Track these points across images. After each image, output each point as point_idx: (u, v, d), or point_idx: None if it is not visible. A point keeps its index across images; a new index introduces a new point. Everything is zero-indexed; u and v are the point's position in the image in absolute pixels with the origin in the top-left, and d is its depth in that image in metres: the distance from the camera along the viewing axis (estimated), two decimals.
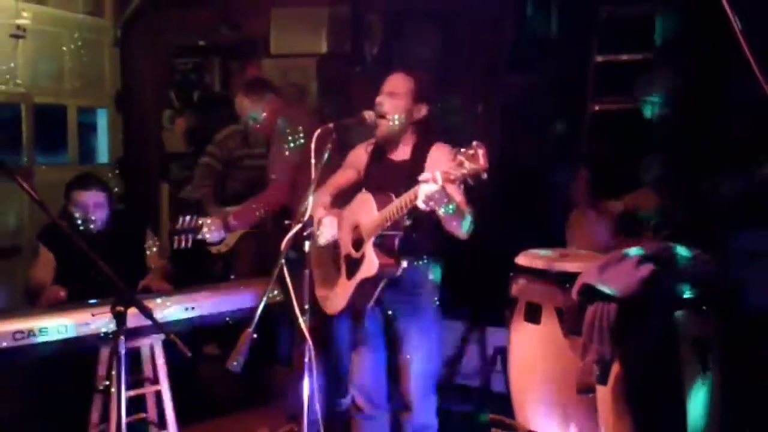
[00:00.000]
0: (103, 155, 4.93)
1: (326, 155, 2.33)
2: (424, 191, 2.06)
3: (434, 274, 2.54)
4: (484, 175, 1.92)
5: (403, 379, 2.55)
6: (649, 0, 3.36)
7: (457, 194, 2.30)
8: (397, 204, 2.26)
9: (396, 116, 2.47)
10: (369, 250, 2.39)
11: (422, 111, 2.51)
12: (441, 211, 2.18)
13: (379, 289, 2.44)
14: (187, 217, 3.15)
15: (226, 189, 3.90)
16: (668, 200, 2.79)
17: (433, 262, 2.54)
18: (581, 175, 3.02)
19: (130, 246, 3.17)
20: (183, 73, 4.86)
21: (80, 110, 4.69)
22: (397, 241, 2.38)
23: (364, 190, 2.52)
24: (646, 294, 2.11)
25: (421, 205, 2.10)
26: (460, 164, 1.95)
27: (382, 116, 2.47)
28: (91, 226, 2.99)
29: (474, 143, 1.94)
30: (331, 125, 2.36)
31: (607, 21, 3.50)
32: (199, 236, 3.14)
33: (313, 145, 2.30)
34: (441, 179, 2.02)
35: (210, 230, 3.12)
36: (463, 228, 2.34)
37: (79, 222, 2.97)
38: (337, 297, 2.56)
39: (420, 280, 2.51)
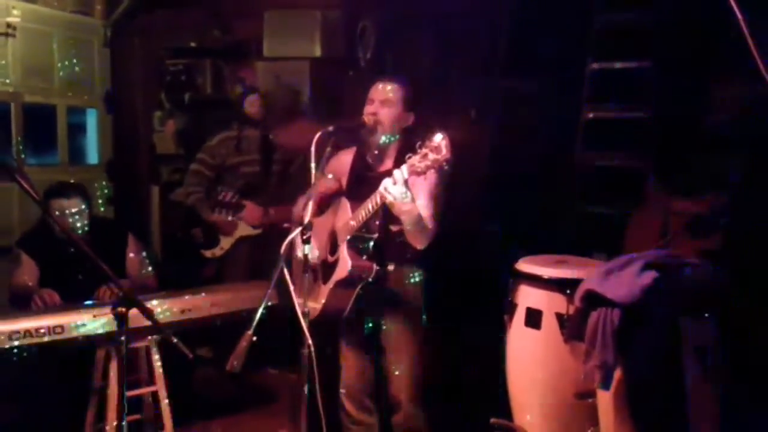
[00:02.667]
0: (92, 156, 4.86)
1: (325, 159, 2.33)
2: (386, 182, 2.13)
3: (420, 277, 2.54)
4: (446, 166, 2.00)
5: (392, 383, 2.55)
6: (645, 7, 3.40)
7: (425, 208, 2.32)
8: (367, 203, 2.28)
9: (390, 125, 2.47)
10: (343, 251, 2.39)
11: (410, 119, 2.52)
12: (398, 206, 2.20)
13: (354, 295, 2.42)
14: (230, 193, 3.50)
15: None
16: (744, 204, 2.74)
17: (418, 266, 2.53)
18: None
19: (109, 254, 3.13)
20: (174, 75, 4.83)
21: (70, 110, 4.63)
22: (371, 245, 2.39)
23: (342, 198, 2.52)
24: (648, 301, 2.13)
25: (382, 191, 2.14)
26: (424, 156, 2.01)
27: (377, 125, 2.45)
28: (73, 235, 2.95)
29: (438, 135, 2.00)
30: (330, 128, 2.35)
31: (603, 28, 3.54)
32: (238, 217, 3.53)
33: (312, 148, 2.30)
34: (407, 171, 2.08)
35: (250, 214, 3.51)
36: (420, 239, 2.35)
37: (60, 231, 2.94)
38: (314, 303, 2.51)
39: (406, 284, 2.51)
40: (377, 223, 2.39)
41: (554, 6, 3.63)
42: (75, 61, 4.57)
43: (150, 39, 4.85)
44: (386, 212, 2.32)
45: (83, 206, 3.00)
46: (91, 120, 4.86)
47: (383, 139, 2.49)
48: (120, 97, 4.87)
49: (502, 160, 3.77)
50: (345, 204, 2.46)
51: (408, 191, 2.15)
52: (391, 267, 2.45)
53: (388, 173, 2.46)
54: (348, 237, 2.38)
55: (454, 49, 4.02)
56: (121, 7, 4.79)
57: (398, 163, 2.45)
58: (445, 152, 1.97)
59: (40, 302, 2.74)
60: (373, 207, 2.26)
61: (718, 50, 3.04)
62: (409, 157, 2.07)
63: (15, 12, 4.10)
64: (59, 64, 4.48)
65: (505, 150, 3.78)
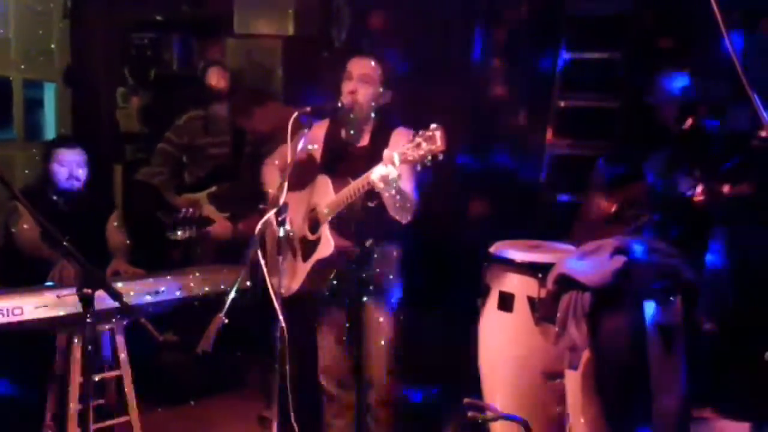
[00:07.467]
0: (50, 132, 4.68)
1: (301, 140, 2.31)
2: (379, 171, 2.10)
3: (397, 254, 2.56)
4: (440, 156, 1.98)
5: (369, 359, 2.56)
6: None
7: (408, 181, 2.32)
8: (354, 186, 2.28)
9: (368, 103, 2.48)
10: (326, 231, 2.40)
11: (387, 96, 2.53)
12: (386, 194, 2.21)
13: (334, 273, 2.44)
14: (190, 209, 3.51)
15: (188, 176, 3.78)
16: (661, 198, 2.84)
17: (396, 242, 2.56)
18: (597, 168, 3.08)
19: (97, 225, 3.15)
20: (138, 49, 4.66)
21: (26, 84, 4.43)
22: (353, 224, 2.40)
23: (322, 174, 2.50)
24: (618, 284, 2.18)
25: (375, 181, 2.12)
26: (418, 145, 2.00)
27: (355, 103, 2.45)
28: (75, 184, 3.03)
29: (432, 125, 1.99)
30: (308, 109, 2.34)
31: (576, 18, 3.57)
32: (205, 232, 3.55)
33: (289, 128, 2.27)
34: (398, 160, 2.05)
35: (219, 230, 3.56)
36: (405, 215, 2.35)
37: (64, 179, 3.00)
38: (292, 280, 2.54)
39: (384, 261, 2.52)
40: (361, 204, 2.38)
41: None
42: (32, 32, 4.37)
43: (113, 10, 4.65)
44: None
45: (85, 157, 3.06)
46: (50, 94, 4.68)
47: (361, 116, 2.48)
48: (80, 71, 4.68)
49: (477, 147, 3.79)
50: (325, 181, 2.45)
51: (398, 177, 2.13)
52: (368, 243, 2.46)
53: (365, 149, 2.48)
54: (331, 217, 2.38)
55: (430, 32, 4.00)
56: None
57: (375, 139, 2.48)
58: (439, 143, 1.96)
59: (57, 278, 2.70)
60: (358, 190, 2.26)
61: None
62: (404, 145, 2.05)
63: None
64: (15, 36, 4.28)
65: (480, 136, 3.80)
